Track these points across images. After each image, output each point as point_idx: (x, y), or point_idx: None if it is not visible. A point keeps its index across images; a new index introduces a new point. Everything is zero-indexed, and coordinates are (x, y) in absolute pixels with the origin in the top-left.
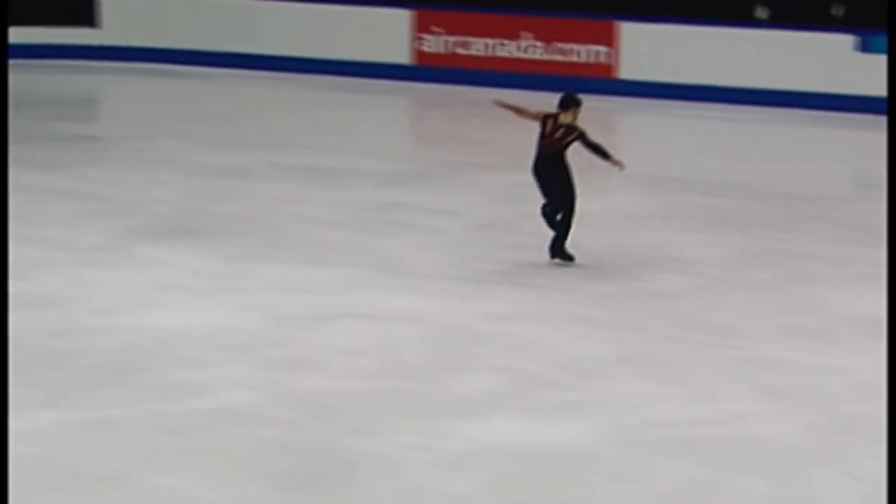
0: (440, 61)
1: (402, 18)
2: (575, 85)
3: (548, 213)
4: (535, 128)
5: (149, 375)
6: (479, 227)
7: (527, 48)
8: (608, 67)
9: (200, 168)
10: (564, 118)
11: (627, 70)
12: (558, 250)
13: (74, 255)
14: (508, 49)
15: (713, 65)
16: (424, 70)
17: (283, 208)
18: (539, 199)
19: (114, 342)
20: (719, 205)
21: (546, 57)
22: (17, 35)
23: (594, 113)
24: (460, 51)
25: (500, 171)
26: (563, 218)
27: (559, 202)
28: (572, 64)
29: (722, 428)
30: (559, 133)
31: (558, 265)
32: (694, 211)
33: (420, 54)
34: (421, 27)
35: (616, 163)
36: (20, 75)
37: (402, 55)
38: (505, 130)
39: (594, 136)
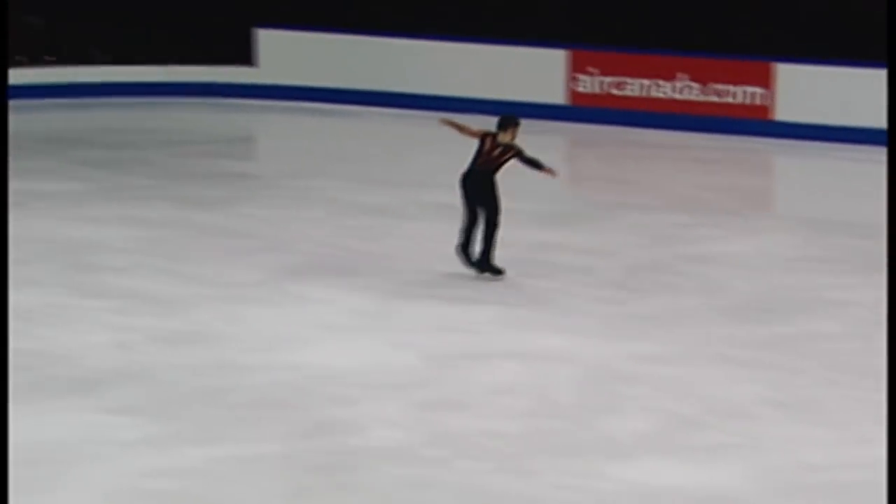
0: (595, 102)
1: (557, 59)
2: (731, 126)
3: (464, 250)
4: (684, 164)
5: (299, 413)
6: (634, 268)
7: (682, 89)
8: (764, 109)
9: (352, 206)
10: (503, 137)
11: (783, 111)
12: (486, 265)
13: (228, 292)
14: (664, 90)
15: (869, 106)
16: (579, 110)
17: (435, 246)
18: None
19: (265, 379)
20: (875, 247)
21: (702, 98)
22: (177, 73)
23: (750, 154)
24: (615, 91)
25: (656, 212)
26: (485, 232)
27: (486, 215)
28: (728, 105)
29: (876, 473)
30: (497, 151)
31: (489, 279)
32: (849, 253)
33: (575, 94)
34: (576, 67)
35: (549, 171)
36: (179, 113)
37: (556, 95)
38: (661, 170)
39: (747, 178)
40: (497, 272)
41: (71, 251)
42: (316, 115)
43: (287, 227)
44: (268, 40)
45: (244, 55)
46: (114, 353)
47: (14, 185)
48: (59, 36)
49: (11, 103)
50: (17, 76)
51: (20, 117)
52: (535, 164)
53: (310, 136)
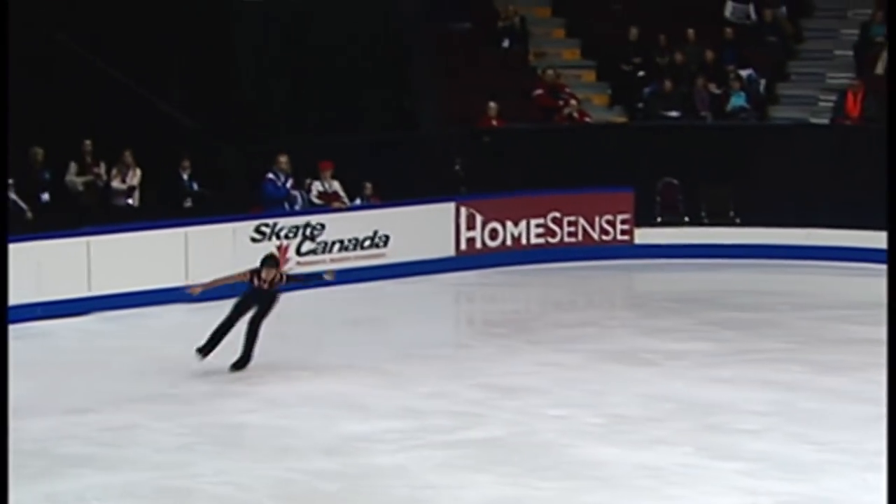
0: None
1: None
2: None
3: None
4: None
5: None
6: None
7: None
8: None
9: None
10: (267, 274)
11: None
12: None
13: (859, 460)
14: None
15: None
16: None
17: None
18: None
19: None
20: None
21: None
22: (814, 237)
23: None
24: None
25: None
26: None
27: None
28: None
29: None
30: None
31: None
32: None
33: None
34: None
35: (327, 274)
36: (813, 276)
37: None
38: None
39: None
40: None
41: (702, 412)
42: None
43: None
44: None
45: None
46: None
47: (648, 344)
48: (700, 197)
49: (645, 262)
50: (655, 236)
51: (655, 276)
52: (308, 276)
53: None
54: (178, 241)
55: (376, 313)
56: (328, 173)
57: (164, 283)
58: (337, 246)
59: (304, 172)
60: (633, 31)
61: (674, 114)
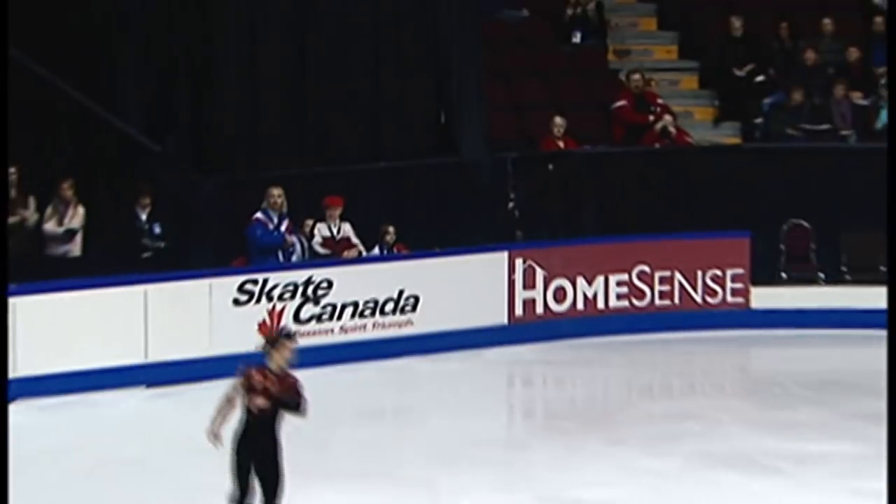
0: None
1: None
2: None
3: None
4: None
5: None
6: None
7: None
8: None
9: None
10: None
11: None
12: None
13: None
14: None
15: None
16: None
17: None
18: None
19: None
20: None
21: None
22: None
23: None
24: None
25: None
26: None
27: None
28: None
29: None
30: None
31: None
32: None
33: None
34: None
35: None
36: None
37: None
38: None
39: None
40: None
41: None
42: None
43: None
44: None
45: None
46: None
47: (770, 445)
48: (840, 245)
49: (766, 333)
50: (779, 298)
51: (779, 352)
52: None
53: None
54: (136, 304)
55: (403, 401)
56: (336, 212)
57: (116, 361)
58: (349, 310)
59: (304, 211)
60: (748, 23)
61: (805, 128)
